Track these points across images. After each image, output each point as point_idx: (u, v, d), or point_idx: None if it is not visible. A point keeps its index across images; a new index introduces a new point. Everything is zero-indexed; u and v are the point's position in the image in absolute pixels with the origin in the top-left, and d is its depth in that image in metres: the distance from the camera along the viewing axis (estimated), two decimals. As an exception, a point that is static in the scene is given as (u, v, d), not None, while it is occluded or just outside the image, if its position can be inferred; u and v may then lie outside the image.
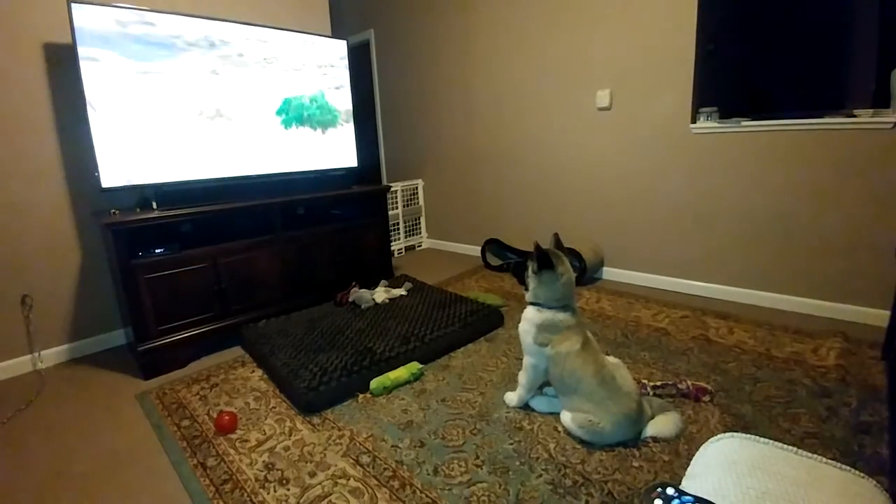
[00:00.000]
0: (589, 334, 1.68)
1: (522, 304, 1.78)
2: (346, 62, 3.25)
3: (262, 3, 3.16)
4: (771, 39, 2.88)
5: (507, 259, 3.78)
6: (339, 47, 3.23)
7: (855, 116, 2.34)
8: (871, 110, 2.34)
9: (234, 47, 2.69)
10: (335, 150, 3.25)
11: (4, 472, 1.67)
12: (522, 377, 1.79)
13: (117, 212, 2.36)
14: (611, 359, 1.71)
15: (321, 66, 3.12)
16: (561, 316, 1.65)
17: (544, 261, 1.64)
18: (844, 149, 2.35)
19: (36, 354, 2.45)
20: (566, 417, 1.64)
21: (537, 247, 1.67)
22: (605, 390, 1.56)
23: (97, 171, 2.28)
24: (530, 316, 1.71)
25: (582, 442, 1.61)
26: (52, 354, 2.51)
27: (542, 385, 1.82)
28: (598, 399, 1.56)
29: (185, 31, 2.48)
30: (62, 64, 2.38)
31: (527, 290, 1.72)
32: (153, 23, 2.37)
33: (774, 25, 2.86)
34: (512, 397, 1.85)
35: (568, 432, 1.65)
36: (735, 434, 0.89)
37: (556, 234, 1.79)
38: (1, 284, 2.34)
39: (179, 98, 2.49)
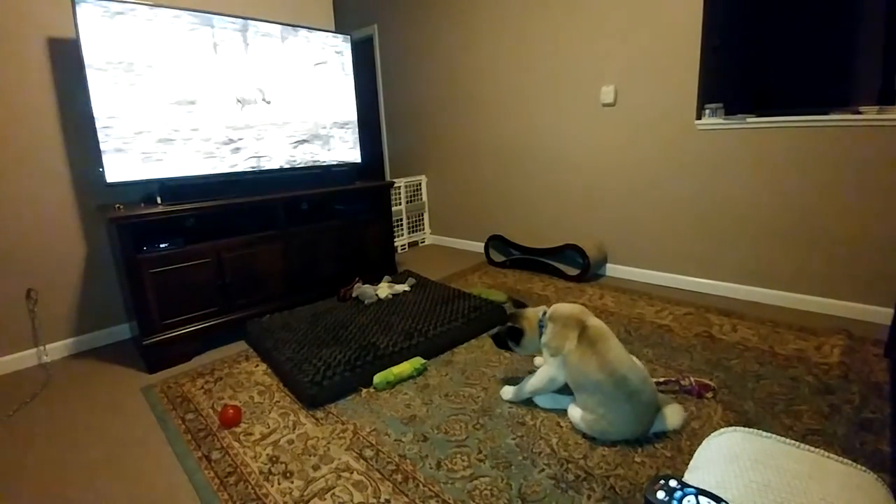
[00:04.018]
0: (591, 322, 1.66)
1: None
2: (349, 55, 3.26)
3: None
4: (777, 35, 2.86)
5: (511, 255, 3.79)
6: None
7: (861, 113, 2.33)
8: (876, 107, 2.33)
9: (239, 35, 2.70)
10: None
11: (10, 464, 1.69)
12: (531, 379, 1.78)
13: (122, 206, 2.37)
14: (633, 360, 1.68)
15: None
16: (547, 331, 1.72)
17: (515, 334, 1.79)
18: (850, 146, 2.34)
19: (41, 348, 2.47)
20: (575, 414, 1.64)
21: (503, 329, 1.85)
22: (619, 392, 1.52)
23: (101, 167, 2.29)
24: (542, 348, 1.76)
25: (585, 437, 1.61)
26: (57, 348, 2.53)
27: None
28: (614, 402, 1.53)
29: (182, 22, 2.49)
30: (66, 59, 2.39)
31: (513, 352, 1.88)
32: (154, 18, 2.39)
33: (780, 21, 2.84)
34: (509, 391, 1.86)
35: (573, 426, 1.66)
36: (738, 428, 0.90)
37: (510, 297, 2.02)
38: (6, 278, 2.35)
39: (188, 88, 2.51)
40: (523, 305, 1.89)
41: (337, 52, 3.17)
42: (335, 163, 3.27)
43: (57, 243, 2.49)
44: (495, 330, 1.91)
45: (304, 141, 3.07)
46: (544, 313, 1.76)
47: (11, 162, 2.32)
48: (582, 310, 1.72)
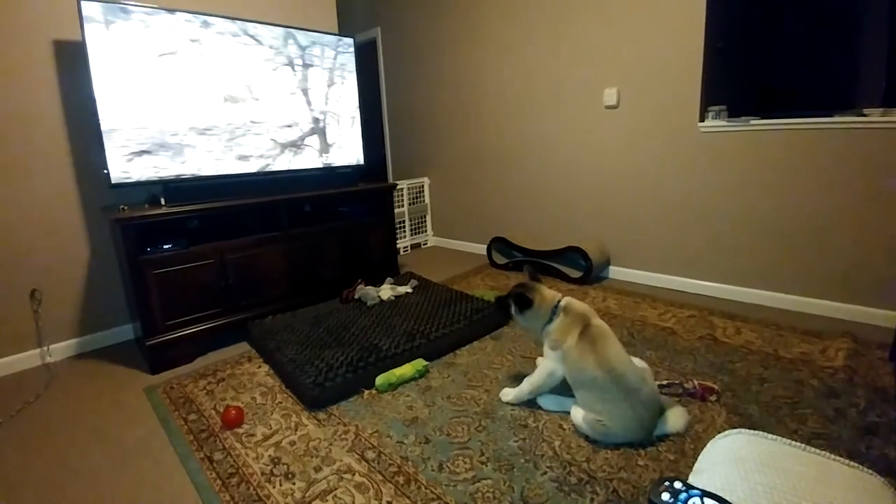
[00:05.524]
0: (595, 321, 1.67)
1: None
2: (352, 58, 3.25)
3: None
4: (780, 37, 2.86)
5: (513, 257, 3.78)
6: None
7: (865, 116, 2.33)
8: (880, 109, 2.32)
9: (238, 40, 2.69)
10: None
11: (13, 464, 1.69)
12: (530, 377, 1.79)
13: (126, 207, 2.38)
14: (637, 361, 1.70)
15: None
16: (556, 323, 1.70)
17: (522, 301, 1.74)
18: (854, 148, 2.33)
19: (45, 348, 2.48)
20: (578, 416, 1.63)
21: (512, 291, 1.80)
22: (616, 389, 1.53)
23: (106, 168, 2.30)
24: (543, 334, 1.76)
25: (587, 439, 1.61)
26: (61, 348, 2.54)
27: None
28: (612, 399, 1.54)
29: (187, 26, 2.50)
30: (71, 61, 2.40)
31: (515, 322, 1.84)
32: (151, 24, 2.38)
33: (784, 23, 2.84)
34: (509, 392, 1.86)
35: (575, 428, 1.65)
36: (743, 430, 0.89)
37: (527, 268, 1.93)
38: (10, 279, 2.36)
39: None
40: (538, 280, 1.86)
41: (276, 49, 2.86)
42: (338, 164, 3.27)
43: (61, 244, 2.50)
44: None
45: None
46: (559, 301, 1.74)
47: (17, 163, 2.33)
48: (590, 309, 1.73)
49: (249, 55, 2.76)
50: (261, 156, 2.87)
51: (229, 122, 2.71)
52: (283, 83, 2.93)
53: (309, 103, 3.07)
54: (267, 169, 2.90)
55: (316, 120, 3.11)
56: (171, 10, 2.44)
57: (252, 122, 2.81)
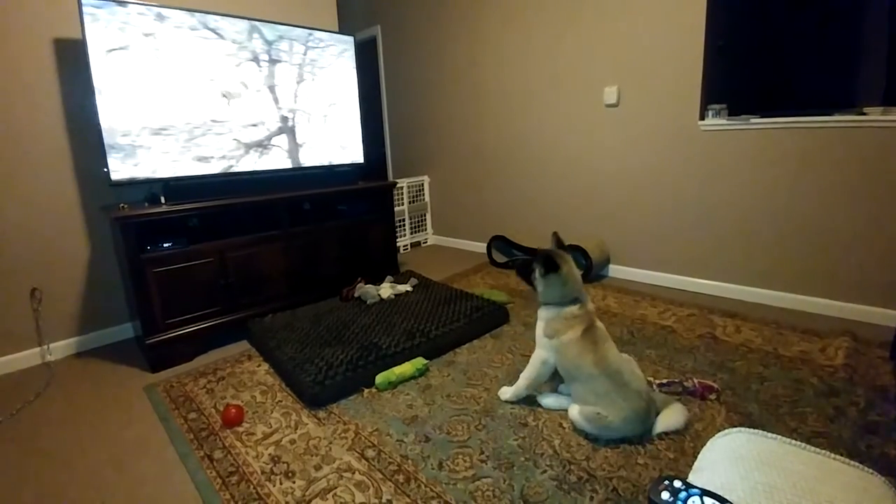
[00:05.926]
0: (598, 323, 1.68)
1: (528, 301, 1.78)
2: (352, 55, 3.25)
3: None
4: (781, 36, 2.85)
5: (513, 256, 3.78)
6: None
7: (865, 114, 2.32)
8: (881, 108, 2.32)
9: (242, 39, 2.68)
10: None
11: (13, 463, 1.69)
12: (525, 371, 1.80)
13: (126, 206, 2.38)
14: (623, 356, 1.71)
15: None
16: (568, 309, 1.67)
17: (550, 264, 1.66)
18: (854, 147, 2.33)
19: (45, 347, 2.48)
20: (574, 411, 1.64)
21: (541, 250, 1.71)
22: (609, 382, 1.55)
23: (106, 167, 2.30)
24: (542, 314, 1.74)
25: (587, 437, 1.61)
26: (61, 347, 2.54)
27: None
28: (603, 391, 1.56)
29: (183, 22, 2.49)
30: (72, 60, 2.40)
31: (533, 289, 1.76)
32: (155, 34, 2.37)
33: (785, 22, 2.83)
34: (507, 391, 1.86)
35: (575, 427, 1.65)
36: (743, 429, 0.89)
37: (555, 234, 1.84)
38: (11, 278, 2.36)
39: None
40: (564, 248, 1.78)
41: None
42: (338, 163, 3.26)
43: (61, 243, 2.50)
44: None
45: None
46: (586, 298, 1.71)
47: (17, 161, 2.33)
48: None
49: (210, 50, 2.59)
50: (223, 157, 2.70)
51: (187, 122, 2.53)
52: (247, 80, 2.76)
53: (276, 101, 2.90)
54: (231, 170, 2.75)
55: (284, 119, 2.94)
56: (122, 3, 2.27)
57: (213, 121, 2.63)
